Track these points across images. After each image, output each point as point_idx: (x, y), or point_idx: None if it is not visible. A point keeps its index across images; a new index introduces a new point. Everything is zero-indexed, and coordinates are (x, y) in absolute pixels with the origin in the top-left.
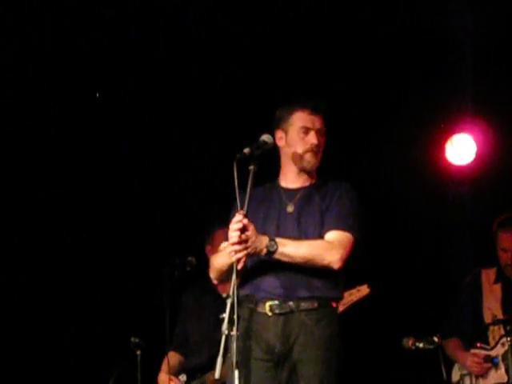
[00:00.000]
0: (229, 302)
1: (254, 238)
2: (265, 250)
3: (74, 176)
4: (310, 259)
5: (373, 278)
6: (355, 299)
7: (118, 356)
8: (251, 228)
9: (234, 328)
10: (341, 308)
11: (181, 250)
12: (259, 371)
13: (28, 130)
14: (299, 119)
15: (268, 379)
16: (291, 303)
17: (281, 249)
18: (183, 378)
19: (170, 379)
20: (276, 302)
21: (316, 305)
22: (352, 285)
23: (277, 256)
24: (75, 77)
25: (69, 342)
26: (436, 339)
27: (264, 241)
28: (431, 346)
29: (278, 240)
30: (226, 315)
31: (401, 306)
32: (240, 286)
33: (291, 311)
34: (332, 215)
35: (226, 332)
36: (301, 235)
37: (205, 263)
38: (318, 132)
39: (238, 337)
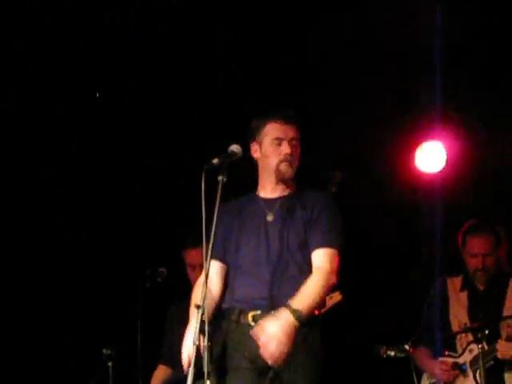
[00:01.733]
0: (199, 313)
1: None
2: (297, 323)
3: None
4: (322, 297)
5: (344, 287)
6: (327, 307)
7: (90, 368)
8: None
9: (206, 339)
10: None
11: (152, 262)
12: (244, 380)
13: (28, 130)
14: (272, 130)
15: None
16: (273, 312)
17: (303, 310)
18: None
19: None
20: (258, 313)
21: None
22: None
23: (305, 317)
24: (75, 77)
25: (40, 354)
26: (407, 347)
27: (289, 318)
28: (403, 355)
29: (294, 307)
30: (196, 326)
31: (372, 314)
32: (223, 298)
33: None
34: (316, 233)
35: (197, 343)
36: (282, 243)
37: (182, 274)
38: (290, 141)
39: (215, 347)
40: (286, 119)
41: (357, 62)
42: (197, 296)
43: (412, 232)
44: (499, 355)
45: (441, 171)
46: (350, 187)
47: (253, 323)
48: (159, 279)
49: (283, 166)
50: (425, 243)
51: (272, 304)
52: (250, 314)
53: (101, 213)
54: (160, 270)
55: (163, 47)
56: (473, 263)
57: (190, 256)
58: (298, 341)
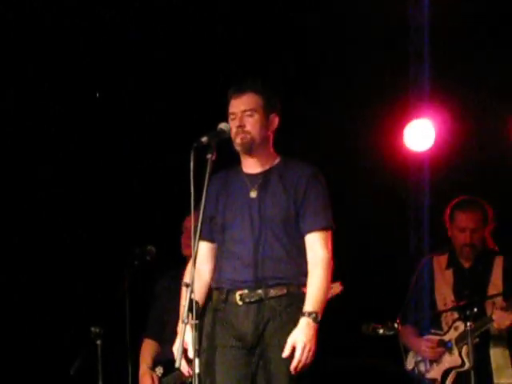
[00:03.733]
0: (188, 290)
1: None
2: (316, 324)
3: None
4: (329, 287)
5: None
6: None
7: (79, 346)
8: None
9: (194, 316)
10: None
11: (140, 240)
12: (233, 358)
13: (28, 130)
14: (229, 107)
15: (241, 366)
16: (260, 291)
17: (318, 310)
18: (160, 370)
19: (150, 375)
20: (245, 291)
21: (285, 291)
22: None
23: (321, 314)
24: (75, 77)
25: (27, 333)
26: (396, 325)
27: (309, 323)
28: (391, 332)
29: (310, 311)
30: (185, 304)
31: (360, 292)
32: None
33: (261, 299)
34: (307, 214)
35: (186, 321)
36: (265, 221)
37: (170, 251)
38: (243, 113)
39: (206, 325)
40: (238, 92)
41: (344, 41)
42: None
43: (400, 210)
44: (495, 325)
45: (429, 149)
46: (338, 166)
47: (240, 302)
48: (148, 257)
49: (237, 140)
50: (413, 222)
51: (257, 283)
52: (238, 294)
53: (90, 191)
54: (149, 248)
55: (163, 47)
56: (460, 238)
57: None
58: (285, 320)
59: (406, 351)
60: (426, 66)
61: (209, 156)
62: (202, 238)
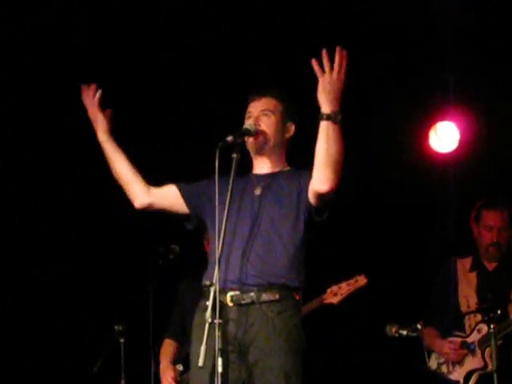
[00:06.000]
0: (212, 289)
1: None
2: (330, 112)
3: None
4: (337, 155)
5: (357, 266)
6: (352, 289)
7: (102, 344)
8: None
9: (217, 316)
10: (338, 298)
11: (164, 238)
12: (223, 362)
13: (27, 131)
14: (248, 108)
15: (232, 369)
16: (252, 294)
17: (335, 107)
18: (180, 367)
19: (171, 369)
20: (237, 293)
21: (277, 296)
22: (347, 275)
23: (331, 126)
24: (75, 77)
25: (52, 331)
26: (419, 326)
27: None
28: (414, 334)
29: (326, 110)
30: (209, 303)
31: (384, 292)
32: (204, 275)
33: (252, 302)
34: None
35: (210, 320)
36: (267, 217)
37: (195, 251)
38: (260, 114)
39: (195, 326)
40: (258, 95)
41: (368, 44)
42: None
43: (426, 212)
44: None
45: (454, 151)
46: (363, 169)
47: (231, 304)
48: (171, 256)
49: (249, 141)
50: (438, 223)
51: (250, 285)
52: (229, 295)
53: (114, 191)
54: (172, 246)
55: (164, 47)
56: (487, 237)
57: None
58: (278, 327)
59: (429, 353)
60: (452, 69)
61: (234, 155)
62: (176, 183)
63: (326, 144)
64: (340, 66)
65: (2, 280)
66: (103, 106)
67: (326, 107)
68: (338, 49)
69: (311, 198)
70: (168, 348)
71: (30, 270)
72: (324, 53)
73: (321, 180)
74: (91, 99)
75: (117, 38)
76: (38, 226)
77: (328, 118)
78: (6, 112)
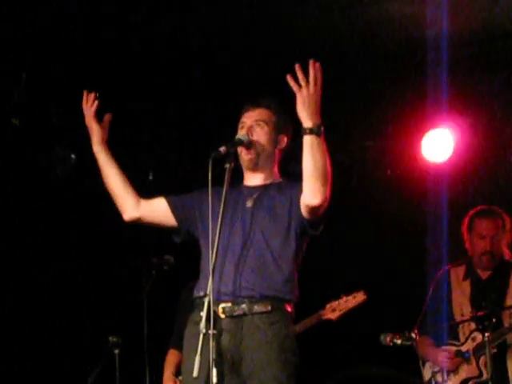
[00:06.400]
0: (206, 300)
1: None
2: (312, 126)
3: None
4: (324, 167)
5: (351, 276)
6: (351, 306)
7: (97, 355)
8: None
9: (211, 326)
10: (337, 314)
11: (159, 249)
12: (216, 373)
13: (27, 131)
14: (241, 117)
15: (225, 380)
16: (244, 306)
17: (317, 120)
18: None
19: (173, 380)
20: (229, 305)
21: (269, 307)
22: (346, 291)
23: (315, 140)
24: (75, 77)
25: (46, 342)
26: (414, 335)
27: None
28: (409, 343)
29: (308, 124)
30: (203, 313)
31: (378, 302)
32: (196, 286)
33: (244, 314)
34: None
35: (204, 331)
36: (258, 229)
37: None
38: (253, 124)
39: (187, 338)
40: (252, 105)
41: (361, 51)
42: None
43: (419, 221)
44: None
45: (448, 160)
46: (357, 177)
47: (223, 315)
48: (166, 267)
49: (241, 153)
50: (431, 232)
51: (242, 296)
52: (221, 306)
53: (108, 201)
54: (166, 257)
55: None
56: (480, 245)
57: None
58: (270, 339)
59: (424, 362)
60: (445, 75)
61: (227, 165)
62: (166, 196)
63: (311, 158)
64: (315, 78)
65: (2, 280)
66: (102, 107)
67: (307, 122)
68: (311, 62)
69: (304, 213)
70: (172, 358)
71: (30, 270)
72: (297, 67)
73: (311, 194)
74: (89, 108)
75: (117, 38)
76: (37, 226)
77: (311, 131)
78: (6, 112)
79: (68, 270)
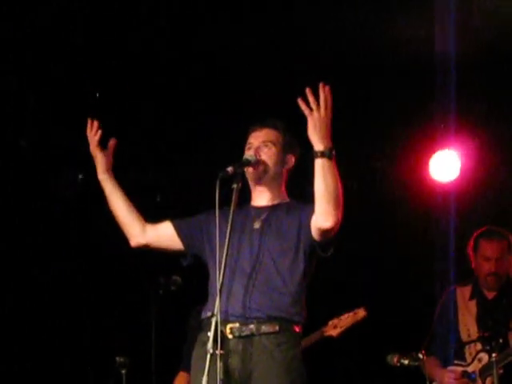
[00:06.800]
0: (213, 320)
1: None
2: (324, 149)
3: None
4: (336, 190)
5: (357, 295)
6: (351, 322)
7: (104, 376)
8: None
9: (219, 346)
10: (338, 331)
11: (166, 269)
12: None
13: (28, 131)
14: (248, 139)
15: None
16: (252, 326)
17: (329, 144)
18: None
19: None
20: (237, 325)
21: (277, 328)
22: (346, 308)
23: (326, 163)
24: (75, 77)
25: (54, 362)
26: (421, 356)
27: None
28: (416, 363)
29: (319, 148)
30: (210, 334)
31: (385, 322)
32: (204, 308)
33: (252, 334)
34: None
35: (211, 351)
36: (265, 251)
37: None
38: (260, 144)
39: (194, 358)
40: (259, 126)
41: (370, 71)
42: None
43: (426, 241)
44: None
45: (455, 180)
46: (364, 197)
47: (230, 336)
48: (173, 287)
49: (249, 172)
50: (439, 252)
51: (250, 317)
52: (228, 327)
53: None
54: (174, 277)
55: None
56: (485, 267)
57: None
58: (277, 360)
59: (431, 382)
60: (453, 96)
61: (234, 186)
62: (172, 220)
63: (323, 181)
64: (326, 102)
65: (2, 280)
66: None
67: (319, 145)
68: (321, 85)
69: (315, 235)
70: (181, 380)
71: (30, 270)
72: (308, 91)
73: (323, 217)
74: (92, 136)
75: (117, 39)
76: (37, 226)
77: (322, 155)
78: (7, 112)
79: (76, 289)
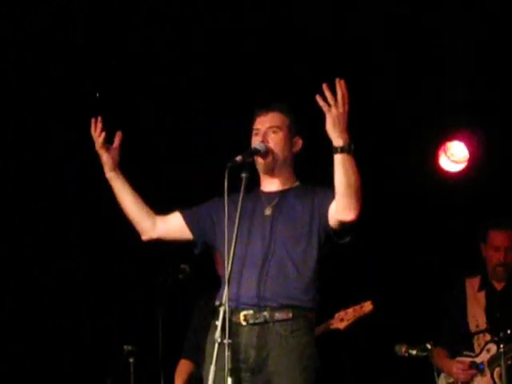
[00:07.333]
0: (221, 309)
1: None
2: (343, 144)
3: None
4: (357, 183)
5: (365, 286)
6: (358, 315)
7: (111, 364)
8: None
9: (227, 336)
10: (345, 324)
11: (174, 258)
12: (235, 380)
13: (28, 131)
14: (254, 124)
15: None
16: (265, 313)
17: (347, 139)
18: None
19: None
20: (250, 312)
21: (290, 315)
22: (354, 301)
23: (346, 158)
24: (75, 77)
25: (61, 351)
26: (429, 346)
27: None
28: (424, 353)
29: (339, 143)
30: (219, 323)
31: (393, 313)
32: (216, 295)
33: (266, 321)
34: (329, 201)
35: (219, 340)
36: (278, 237)
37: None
38: (267, 130)
39: (208, 345)
40: (265, 110)
41: (382, 64)
42: None
43: (434, 232)
44: None
45: (463, 170)
46: (371, 188)
47: (244, 323)
48: (181, 276)
49: (258, 161)
50: (447, 243)
51: (263, 304)
52: (242, 314)
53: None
54: (182, 266)
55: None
56: (495, 257)
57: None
58: (291, 346)
59: (439, 373)
60: (462, 89)
61: (243, 175)
62: (180, 211)
63: (344, 176)
64: (343, 97)
65: (2, 280)
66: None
67: (338, 140)
68: (337, 81)
69: (333, 224)
70: (182, 368)
71: (30, 270)
72: (325, 87)
73: (345, 210)
74: (97, 137)
75: (117, 39)
76: (37, 226)
77: (342, 150)
78: (7, 112)
79: (84, 277)
